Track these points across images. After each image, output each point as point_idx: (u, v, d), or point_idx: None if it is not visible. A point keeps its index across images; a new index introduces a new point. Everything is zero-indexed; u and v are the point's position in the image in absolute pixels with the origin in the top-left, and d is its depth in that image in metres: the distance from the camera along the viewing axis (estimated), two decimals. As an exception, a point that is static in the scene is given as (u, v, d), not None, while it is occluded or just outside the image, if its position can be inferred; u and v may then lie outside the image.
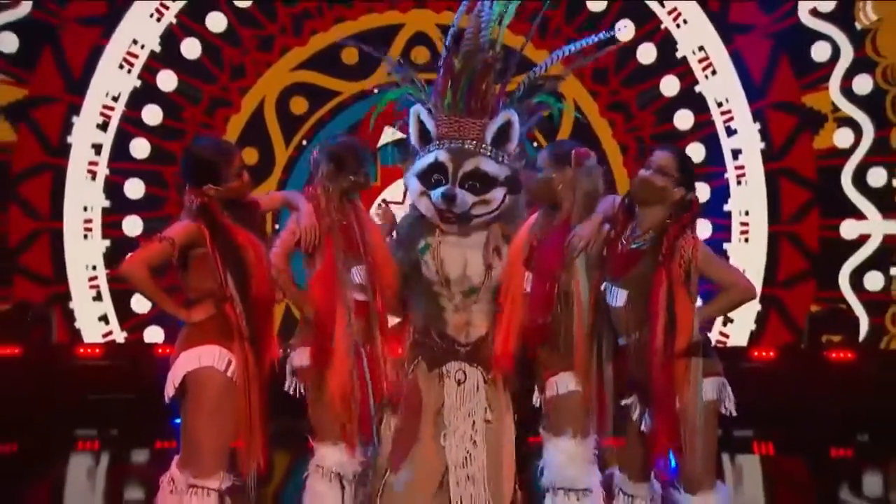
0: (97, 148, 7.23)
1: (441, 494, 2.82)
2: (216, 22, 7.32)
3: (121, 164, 7.28)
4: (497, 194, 2.81)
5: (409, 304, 3.05)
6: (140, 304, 6.51)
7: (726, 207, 7.23)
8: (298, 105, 7.38)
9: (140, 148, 7.24)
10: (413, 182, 2.90)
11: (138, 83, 7.38)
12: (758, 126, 7.18)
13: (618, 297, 2.69)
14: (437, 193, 2.73)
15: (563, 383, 3.09)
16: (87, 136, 7.33)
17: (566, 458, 3.15)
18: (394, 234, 3.20)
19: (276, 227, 5.35)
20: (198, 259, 2.56)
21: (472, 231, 2.88)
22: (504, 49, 2.83)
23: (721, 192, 7.32)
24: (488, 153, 2.85)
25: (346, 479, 3.17)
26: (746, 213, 7.26)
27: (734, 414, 2.72)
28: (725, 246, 7.33)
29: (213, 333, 2.53)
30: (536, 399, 3.29)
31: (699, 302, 2.76)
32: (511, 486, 2.96)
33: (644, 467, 2.88)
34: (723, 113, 7.21)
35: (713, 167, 7.17)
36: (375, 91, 6.62)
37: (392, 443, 2.94)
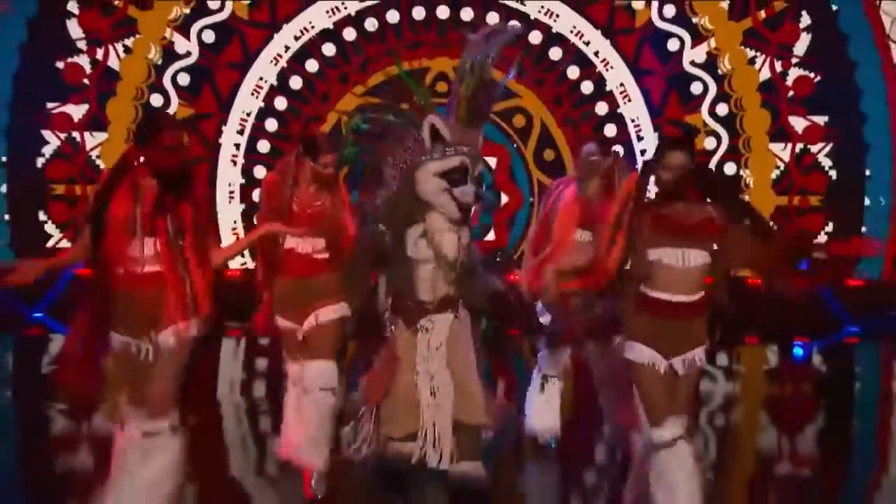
0: (237, 146, 9.24)
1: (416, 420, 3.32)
2: (312, 65, 9.18)
3: (251, 156, 9.22)
4: (485, 193, 3.40)
5: (388, 275, 3.41)
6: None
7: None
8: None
9: (263, 146, 9.16)
10: (434, 181, 3.22)
11: (262, 104, 9.27)
12: (657, 134, 8.89)
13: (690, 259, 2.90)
14: (468, 191, 3.19)
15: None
16: (230, 138, 9.30)
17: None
18: (371, 215, 3.52)
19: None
20: None
21: (444, 217, 3.31)
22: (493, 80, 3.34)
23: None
24: (482, 159, 3.39)
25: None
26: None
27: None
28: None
29: None
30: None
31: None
32: (480, 395, 3.40)
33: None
34: (635, 126, 8.97)
35: (627, 161, 8.78)
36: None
37: (370, 384, 3.44)
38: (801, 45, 8.74)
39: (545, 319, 4.66)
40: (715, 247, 2.98)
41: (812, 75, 8.77)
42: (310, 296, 3.95)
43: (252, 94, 9.04)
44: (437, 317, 3.34)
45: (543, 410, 4.73)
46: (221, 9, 8.85)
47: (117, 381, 2.87)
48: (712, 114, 8.93)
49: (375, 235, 3.38)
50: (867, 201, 8.97)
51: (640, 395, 3.12)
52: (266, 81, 9.34)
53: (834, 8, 8.57)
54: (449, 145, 3.25)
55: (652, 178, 2.94)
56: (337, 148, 3.86)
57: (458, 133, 3.26)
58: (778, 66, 8.80)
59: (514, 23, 3.79)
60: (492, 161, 8.79)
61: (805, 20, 8.67)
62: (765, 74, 8.77)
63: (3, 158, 8.55)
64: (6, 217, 8.45)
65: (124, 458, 2.88)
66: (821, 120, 8.88)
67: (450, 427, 3.31)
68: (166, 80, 8.96)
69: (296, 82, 9.07)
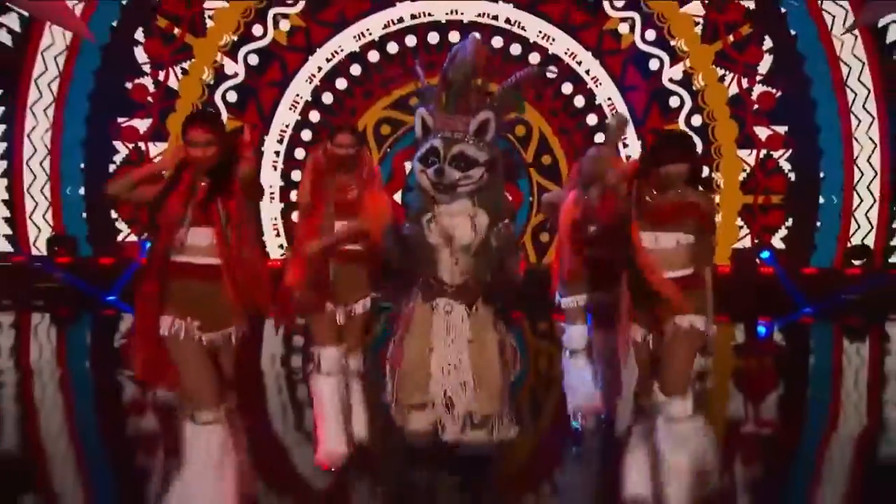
0: (277, 153, 9.33)
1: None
2: (341, 83, 9.20)
3: (289, 161, 9.26)
4: (476, 172, 3.12)
5: (415, 256, 3.28)
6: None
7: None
8: (385, 129, 9.17)
9: (299, 153, 9.10)
10: (416, 164, 3.19)
11: (298, 117, 9.33)
12: (640, 142, 8.92)
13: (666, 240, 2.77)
14: (431, 170, 3.07)
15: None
16: (271, 146, 9.37)
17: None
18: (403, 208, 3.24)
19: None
20: None
21: (457, 205, 3.19)
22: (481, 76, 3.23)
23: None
24: (471, 141, 3.13)
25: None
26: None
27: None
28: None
29: None
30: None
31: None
32: (499, 381, 3.31)
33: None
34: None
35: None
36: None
37: (394, 351, 3.37)
38: (765, 65, 8.82)
39: (565, 302, 4.40)
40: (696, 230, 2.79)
41: (774, 91, 8.87)
42: (348, 283, 3.62)
43: (290, 108, 9.15)
44: (456, 304, 3.25)
45: (575, 386, 4.41)
46: (264, 35, 8.93)
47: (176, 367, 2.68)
48: (688, 124, 8.97)
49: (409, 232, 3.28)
50: (821, 200, 9.02)
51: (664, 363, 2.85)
52: (302, 97, 9.40)
53: (793, 32, 8.62)
54: (432, 132, 3.19)
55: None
56: (354, 130, 3.75)
57: (443, 121, 3.19)
58: (744, 83, 8.88)
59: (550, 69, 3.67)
60: None
61: (767, 43, 8.74)
62: (733, 90, 8.89)
63: (81, 165, 8.63)
64: (84, 215, 8.58)
65: (184, 446, 2.70)
66: (781, 129, 8.98)
67: (464, 399, 3.23)
68: (217, 97, 9.06)
69: (327, 98, 9.17)
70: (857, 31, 8.49)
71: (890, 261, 8.83)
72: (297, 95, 9.22)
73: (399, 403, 3.31)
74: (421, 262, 3.25)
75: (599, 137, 8.48)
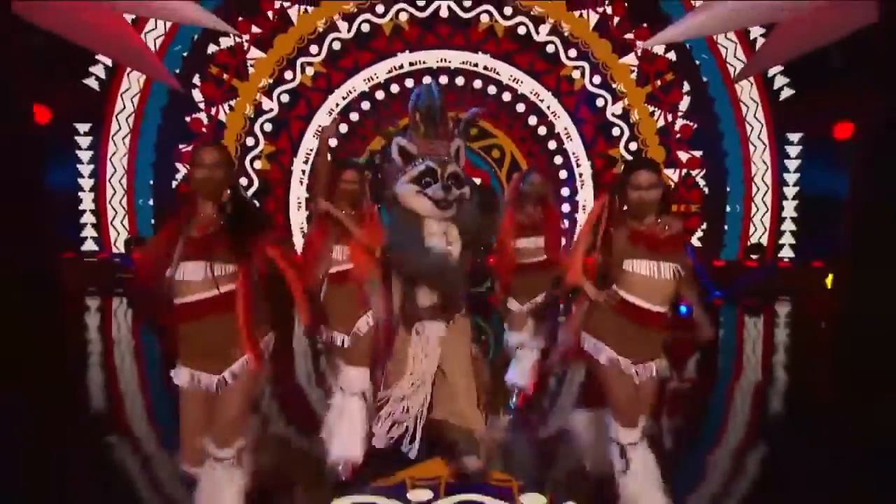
0: (304, 171, 9.00)
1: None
2: (354, 116, 8.89)
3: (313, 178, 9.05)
4: (466, 191, 2.81)
5: (400, 284, 2.87)
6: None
7: (578, 198, 8.72)
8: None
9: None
10: (408, 187, 2.73)
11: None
12: (590, 162, 8.89)
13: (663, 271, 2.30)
14: (437, 188, 2.69)
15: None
16: (299, 166, 9.07)
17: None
18: (389, 237, 2.87)
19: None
20: None
21: (437, 225, 2.81)
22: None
23: (573, 192, 8.78)
24: (455, 164, 2.82)
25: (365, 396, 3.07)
26: (585, 205, 8.70)
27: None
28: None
29: None
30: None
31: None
32: (471, 380, 2.88)
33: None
34: (574, 157, 8.89)
35: (569, 182, 8.78)
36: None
37: (388, 374, 2.93)
38: (684, 104, 8.75)
39: (511, 305, 4.03)
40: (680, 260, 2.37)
41: (691, 124, 8.81)
42: (347, 305, 3.05)
43: (314, 136, 8.90)
44: (429, 323, 2.83)
45: (513, 372, 4.17)
46: (294, 79, 8.74)
47: (190, 419, 2.24)
48: (626, 149, 8.91)
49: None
50: (728, 209, 9.05)
51: (612, 396, 2.44)
52: (322, 127, 8.93)
53: (705, 79, 8.59)
54: (417, 157, 2.79)
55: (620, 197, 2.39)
56: (358, 166, 3.16)
57: (426, 146, 2.80)
58: (669, 118, 8.81)
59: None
60: (477, 180, 8.40)
61: (686, 87, 8.70)
62: (660, 123, 8.80)
63: (151, 182, 8.57)
64: (152, 221, 8.51)
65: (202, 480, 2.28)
66: (698, 153, 9.00)
67: (416, 422, 2.80)
68: (256, 128, 8.87)
69: (343, 128, 8.89)
70: (752, 79, 8.46)
71: (778, 255, 8.84)
72: (319, 126, 8.95)
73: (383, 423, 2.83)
74: (406, 287, 2.83)
75: (557, 159, 8.92)
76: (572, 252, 2.52)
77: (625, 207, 2.39)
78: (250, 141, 8.89)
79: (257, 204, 3.00)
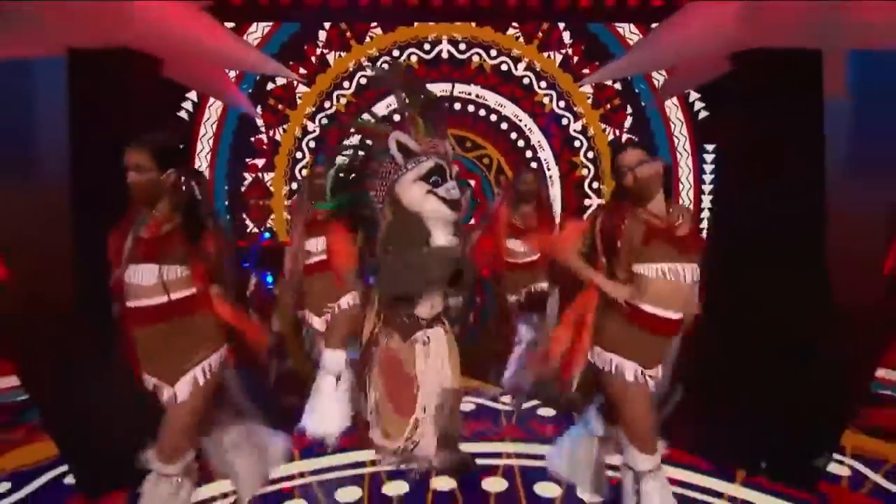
0: None
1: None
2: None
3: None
4: (468, 193, 2.31)
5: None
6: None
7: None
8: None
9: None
10: (416, 186, 2.19)
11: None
12: (558, 168, 9.31)
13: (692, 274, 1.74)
14: (452, 186, 2.15)
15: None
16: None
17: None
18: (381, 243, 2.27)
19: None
20: None
21: (444, 227, 2.30)
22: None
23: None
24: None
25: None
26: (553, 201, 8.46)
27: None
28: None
29: None
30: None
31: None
32: (459, 381, 2.39)
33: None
34: (545, 164, 9.21)
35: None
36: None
37: (387, 391, 2.22)
38: (628, 122, 9.24)
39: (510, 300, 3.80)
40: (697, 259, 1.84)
41: (633, 137, 9.44)
42: (323, 292, 3.13)
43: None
44: (432, 331, 2.39)
45: (512, 367, 3.96)
46: (331, 108, 9.38)
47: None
48: (585, 156, 9.35)
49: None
50: None
51: (632, 417, 1.93)
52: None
53: (643, 104, 9.27)
54: (419, 154, 2.31)
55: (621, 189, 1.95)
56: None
57: (428, 143, 2.34)
58: (616, 133, 9.33)
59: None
60: (472, 182, 9.54)
61: (629, 110, 9.23)
62: (610, 136, 9.29)
63: (225, 188, 9.08)
64: (227, 217, 9.07)
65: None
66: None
67: (432, 439, 2.30)
68: (303, 145, 9.33)
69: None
70: (677, 103, 9.19)
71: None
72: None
73: (380, 446, 2.29)
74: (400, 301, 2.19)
75: (534, 164, 9.48)
76: (564, 234, 2.08)
77: (626, 200, 1.89)
78: (299, 154, 9.63)
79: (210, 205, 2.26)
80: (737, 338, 3.50)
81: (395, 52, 9.71)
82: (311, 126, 9.62)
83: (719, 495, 3.22)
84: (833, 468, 3.51)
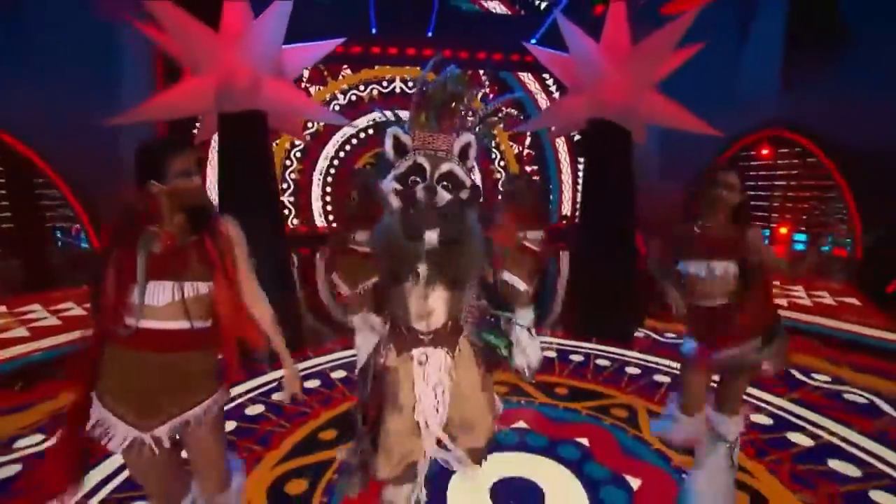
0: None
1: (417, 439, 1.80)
2: (353, 142, 11.38)
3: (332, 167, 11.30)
4: (464, 195, 1.71)
5: (388, 301, 1.84)
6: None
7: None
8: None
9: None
10: (392, 184, 1.71)
11: (334, 154, 11.09)
12: (481, 175, 11.11)
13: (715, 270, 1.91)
14: (419, 189, 1.65)
15: None
16: (316, 177, 11.10)
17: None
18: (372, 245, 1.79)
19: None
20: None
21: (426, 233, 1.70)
22: (465, 87, 1.73)
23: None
24: (457, 162, 1.78)
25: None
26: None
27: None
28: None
29: None
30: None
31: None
32: (490, 415, 1.90)
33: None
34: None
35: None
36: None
37: (374, 405, 1.82)
38: (527, 142, 11.02)
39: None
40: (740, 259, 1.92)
41: (533, 152, 11.36)
42: (356, 271, 3.20)
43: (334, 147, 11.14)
44: (432, 351, 1.83)
45: (525, 351, 3.70)
46: (313, 127, 10.62)
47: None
48: (498, 164, 11.20)
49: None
50: (551, 196, 11.13)
51: (742, 384, 2.04)
52: (332, 151, 11.18)
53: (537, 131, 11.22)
54: (410, 151, 1.77)
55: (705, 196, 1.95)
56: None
57: (422, 138, 1.77)
58: (520, 148, 11.15)
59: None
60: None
61: (528, 135, 11.19)
62: (516, 151, 11.13)
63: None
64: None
65: None
66: (535, 167, 11.32)
67: (426, 464, 1.86)
68: (292, 154, 10.55)
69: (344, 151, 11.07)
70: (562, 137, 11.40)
71: (575, 220, 10.47)
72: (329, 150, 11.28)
73: (374, 474, 1.84)
74: (394, 303, 1.83)
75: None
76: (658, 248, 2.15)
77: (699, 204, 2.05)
78: (288, 162, 11.05)
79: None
80: (594, 266, 5.20)
81: (361, 87, 11.49)
82: (297, 142, 11.14)
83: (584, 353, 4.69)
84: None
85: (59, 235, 7.83)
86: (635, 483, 2.64)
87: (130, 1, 6.58)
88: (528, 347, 3.64)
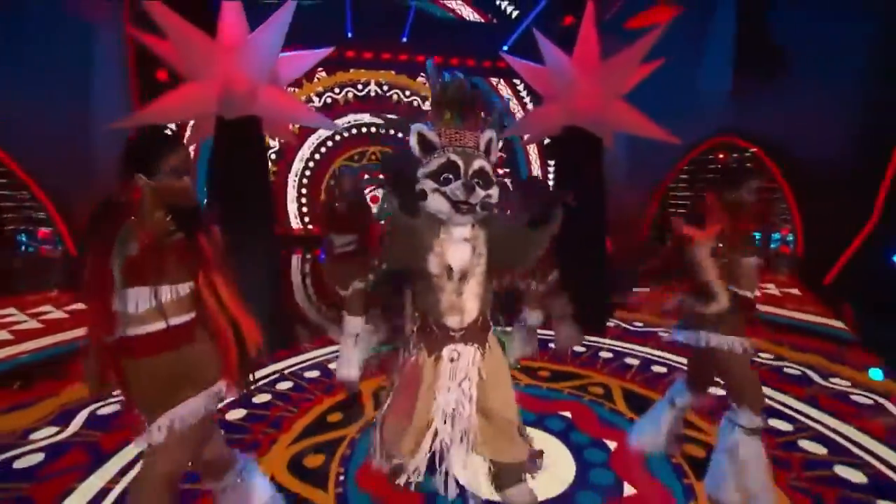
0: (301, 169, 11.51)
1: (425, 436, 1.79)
2: (329, 144, 11.85)
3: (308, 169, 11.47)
4: (495, 191, 1.81)
5: (415, 297, 1.80)
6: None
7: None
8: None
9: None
10: (426, 182, 1.74)
11: (309, 155, 11.46)
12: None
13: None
14: (456, 185, 1.69)
15: None
16: (291, 178, 11.22)
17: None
18: (387, 241, 1.73)
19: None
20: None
21: (459, 229, 1.79)
22: (481, 88, 1.83)
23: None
24: (485, 158, 1.84)
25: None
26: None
27: None
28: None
29: None
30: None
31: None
32: (514, 410, 1.91)
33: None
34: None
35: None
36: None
37: (391, 403, 1.82)
38: (499, 146, 10.15)
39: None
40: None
41: (504, 155, 11.47)
42: (347, 273, 3.43)
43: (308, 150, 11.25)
44: (463, 348, 1.79)
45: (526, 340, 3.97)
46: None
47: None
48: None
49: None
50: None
51: (742, 381, 2.18)
52: (308, 151, 11.42)
53: (509, 138, 10.65)
54: (439, 148, 1.80)
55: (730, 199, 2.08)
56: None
57: (450, 135, 1.80)
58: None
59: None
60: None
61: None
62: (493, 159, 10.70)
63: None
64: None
65: None
66: (507, 170, 11.42)
67: (460, 460, 1.82)
68: (267, 156, 9.17)
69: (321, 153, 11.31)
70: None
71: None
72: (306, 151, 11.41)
73: (388, 451, 1.86)
74: (422, 299, 1.81)
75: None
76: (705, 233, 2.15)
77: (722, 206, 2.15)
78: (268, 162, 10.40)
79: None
80: (568, 264, 4.80)
81: (336, 90, 11.64)
82: (273, 143, 11.17)
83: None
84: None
85: (23, 239, 7.66)
86: (612, 445, 3.04)
87: (109, 3, 6.58)
88: (529, 346, 3.88)
